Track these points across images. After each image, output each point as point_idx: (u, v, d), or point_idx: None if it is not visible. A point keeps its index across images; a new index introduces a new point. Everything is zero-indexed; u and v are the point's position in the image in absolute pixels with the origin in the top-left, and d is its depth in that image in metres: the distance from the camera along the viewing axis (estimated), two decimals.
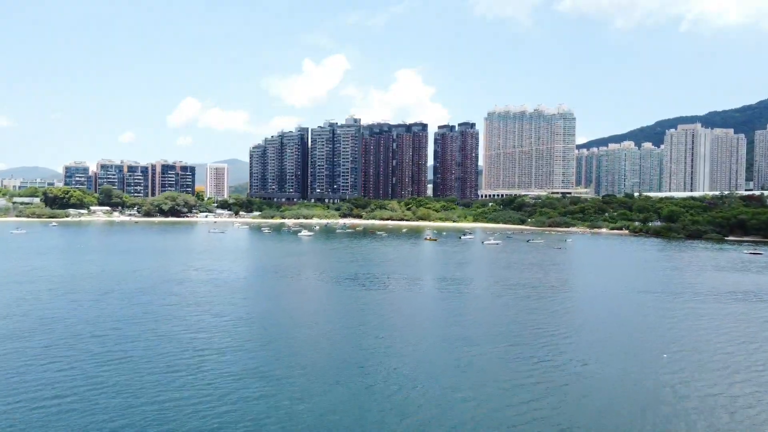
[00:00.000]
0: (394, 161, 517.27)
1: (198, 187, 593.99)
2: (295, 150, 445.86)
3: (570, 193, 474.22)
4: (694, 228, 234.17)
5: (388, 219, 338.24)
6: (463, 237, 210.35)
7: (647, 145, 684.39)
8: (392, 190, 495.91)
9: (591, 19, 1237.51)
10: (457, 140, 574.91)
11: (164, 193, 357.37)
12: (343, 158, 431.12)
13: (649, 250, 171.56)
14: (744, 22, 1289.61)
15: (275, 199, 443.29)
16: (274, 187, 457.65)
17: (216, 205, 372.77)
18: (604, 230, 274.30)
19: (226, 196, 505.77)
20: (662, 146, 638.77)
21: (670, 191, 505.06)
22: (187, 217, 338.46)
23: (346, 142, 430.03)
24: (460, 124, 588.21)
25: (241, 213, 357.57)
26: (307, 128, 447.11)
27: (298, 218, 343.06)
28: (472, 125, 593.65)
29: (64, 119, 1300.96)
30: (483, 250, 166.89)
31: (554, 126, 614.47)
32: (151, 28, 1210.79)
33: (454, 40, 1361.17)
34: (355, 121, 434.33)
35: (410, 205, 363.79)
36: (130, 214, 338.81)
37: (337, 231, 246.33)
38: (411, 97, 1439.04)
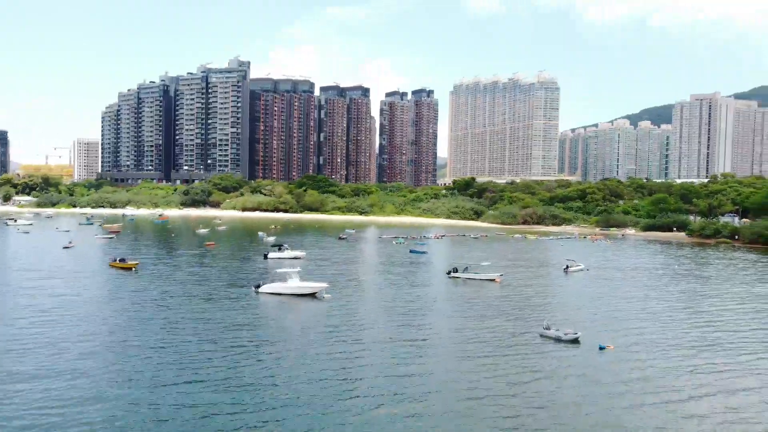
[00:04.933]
0: (321, 134, 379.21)
1: (66, 169, 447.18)
2: (156, 109, 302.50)
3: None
4: None
5: (253, 209, 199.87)
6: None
7: (645, 123, 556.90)
8: (318, 173, 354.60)
9: (564, 11, 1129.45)
10: (410, 111, 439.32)
11: None
12: (221, 119, 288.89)
13: None
14: (718, 15, 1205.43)
15: (129, 181, 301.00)
16: (129, 163, 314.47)
17: None
18: (630, 231, 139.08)
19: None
20: (663, 126, 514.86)
21: (679, 178, 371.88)
22: None
23: (224, 96, 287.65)
24: (414, 92, 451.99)
25: (15, 199, 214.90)
26: (177, 77, 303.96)
27: (101, 205, 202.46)
28: (430, 93, 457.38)
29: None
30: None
31: (533, 98, 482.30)
32: (116, 14, 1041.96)
33: (430, 32, 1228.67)
34: (240, 64, 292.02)
35: (305, 186, 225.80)
36: None
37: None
38: (380, 86, 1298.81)
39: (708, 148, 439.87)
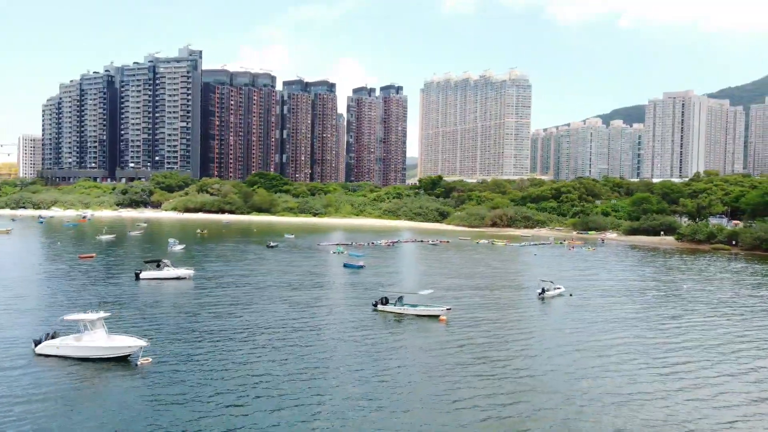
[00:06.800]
0: (284, 131, 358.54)
1: (14, 167, 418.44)
2: (100, 102, 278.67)
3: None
4: None
5: (196, 209, 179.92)
6: None
7: (617, 122, 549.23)
8: (281, 172, 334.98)
9: (534, 12, 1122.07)
10: (379, 108, 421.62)
11: None
12: (170, 113, 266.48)
13: None
14: (685, 17, 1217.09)
15: (71, 179, 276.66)
16: (71, 160, 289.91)
17: None
18: (611, 235, 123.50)
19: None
20: (635, 125, 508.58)
21: (652, 177, 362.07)
22: None
23: (173, 87, 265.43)
24: (382, 88, 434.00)
25: None
26: (122, 67, 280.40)
27: (22, 206, 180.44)
28: (399, 89, 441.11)
29: None
30: None
31: (505, 96, 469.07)
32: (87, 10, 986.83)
33: (401, 32, 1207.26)
34: (191, 54, 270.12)
35: (256, 185, 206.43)
36: None
37: None
38: (349, 85, 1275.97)
39: (681, 146, 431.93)
